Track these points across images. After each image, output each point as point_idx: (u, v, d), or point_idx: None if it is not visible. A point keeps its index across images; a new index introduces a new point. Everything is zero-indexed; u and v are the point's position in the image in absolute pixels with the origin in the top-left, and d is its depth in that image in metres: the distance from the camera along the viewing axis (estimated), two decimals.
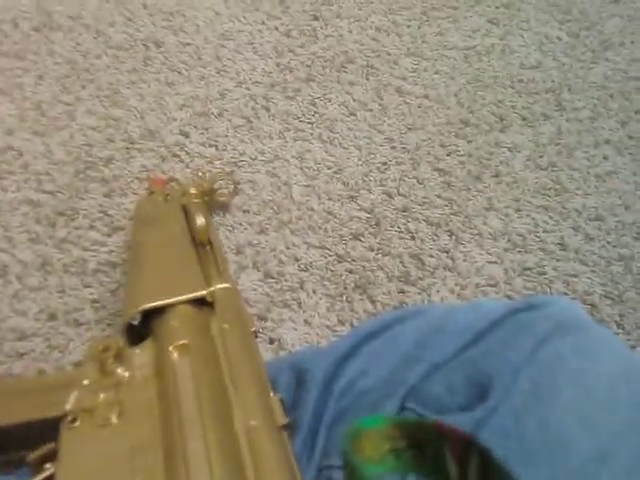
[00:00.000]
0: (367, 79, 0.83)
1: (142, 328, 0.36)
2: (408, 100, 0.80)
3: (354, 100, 0.80)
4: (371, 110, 0.78)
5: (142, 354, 0.32)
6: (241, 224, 0.64)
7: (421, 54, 0.89)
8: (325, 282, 0.59)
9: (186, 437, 0.26)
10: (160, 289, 0.36)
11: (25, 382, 0.39)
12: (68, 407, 0.29)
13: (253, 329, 0.37)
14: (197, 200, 0.49)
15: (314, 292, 0.58)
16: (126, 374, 0.30)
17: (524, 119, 0.79)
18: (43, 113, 0.77)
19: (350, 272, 0.60)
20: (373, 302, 0.57)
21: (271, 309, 0.57)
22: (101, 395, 0.29)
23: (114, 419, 0.28)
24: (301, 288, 0.59)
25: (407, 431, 0.20)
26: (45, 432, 0.28)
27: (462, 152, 0.73)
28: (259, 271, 0.60)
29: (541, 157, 0.73)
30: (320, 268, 0.60)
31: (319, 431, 0.34)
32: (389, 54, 0.88)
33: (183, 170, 0.68)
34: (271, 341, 0.54)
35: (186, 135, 0.73)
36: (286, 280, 0.59)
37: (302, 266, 0.60)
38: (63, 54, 0.85)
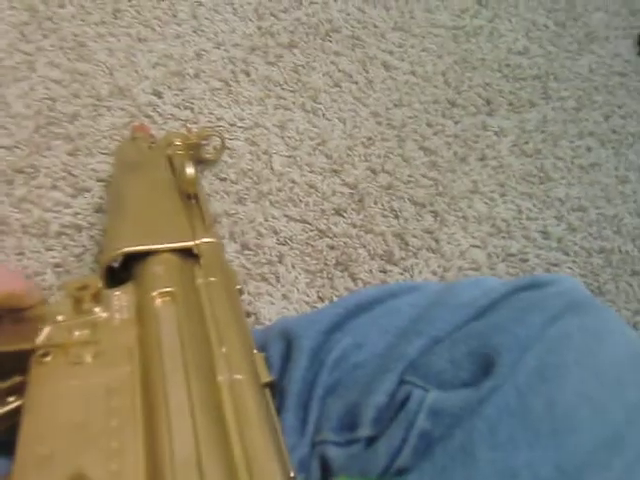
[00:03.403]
0: (353, 50, 0.85)
1: (121, 272, 0.36)
2: (395, 75, 0.82)
3: (339, 71, 0.81)
4: (356, 83, 0.80)
5: (122, 297, 0.32)
6: (217, 192, 0.64)
7: (409, 29, 0.90)
8: (305, 257, 0.60)
9: (167, 384, 0.26)
10: (145, 234, 0.36)
11: None
12: (39, 341, 0.29)
13: (238, 286, 0.38)
14: (182, 152, 0.49)
15: (293, 267, 0.60)
16: (104, 315, 0.30)
17: (511, 104, 0.82)
18: None
19: (331, 248, 0.61)
20: (354, 280, 0.59)
21: (248, 282, 0.58)
22: (76, 333, 0.29)
23: (89, 358, 0.28)
24: (280, 262, 0.60)
25: None
26: (16, 366, 0.28)
27: (448, 132, 0.75)
28: (236, 242, 0.61)
29: (527, 144, 0.76)
30: (300, 242, 0.61)
31: (311, 404, 0.35)
32: (376, 26, 0.90)
33: (157, 131, 0.68)
34: (248, 315, 0.55)
35: (159, 95, 0.73)
36: (264, 253, 0.60)
37: (281, 239, 0.61)
38: None
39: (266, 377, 0.30)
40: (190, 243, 0.36)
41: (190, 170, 0.41)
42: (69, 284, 0.31)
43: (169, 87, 0.74)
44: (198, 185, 0.42)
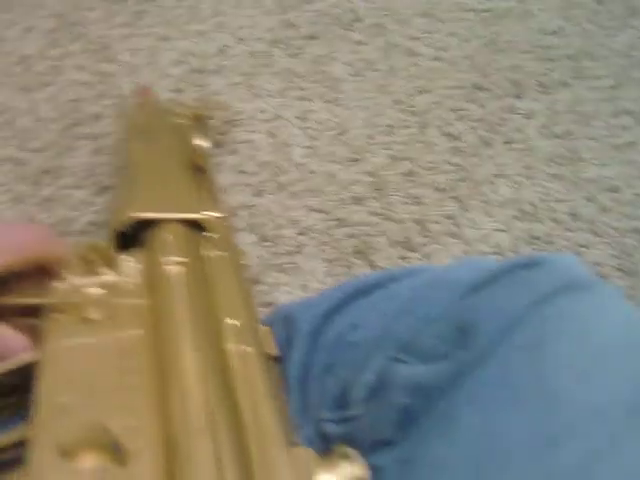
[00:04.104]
0: (376, 38, 0.85)
1: (128, 239, 0.36)
2: (418, 61, 0.82)
3: (361, 60, 0.81)
4: (379, 70, 0.79)
5: (132, 262, 0.32)
6: (237, 185, 0.65)
7: (434, 15, 0.90)
8: (324, 246, 0.61)
9: (179, 349, 0.27)
10: (156, 202, 0.37)
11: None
12: (51, 298, 0.30)
13: (245, 263, 0.38)
14: (189, 122, 0.50)
15: (312, 256, 0.60)
16: (114, 277, 0.31)
17: (541, 85, 0.80)
18: (29, 68, 0.79)
19: (350, 237, 0.61)
20: (373, 267, 0.59)
21: (266, 273, 0.59)
22: (87, 292, 0.30)
23: (100, 318, 0.28)
24: (298, 252, 0.60)
25: None
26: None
27: (473, 117, 0.74)
28: (254, 234, 0.62)
29: (556, 125, 0.74)
30: (319, 232, 0.62)
31: (309, 385, 0.35)
32: (400, 13, 0.89)
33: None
34: (266, 305, 0.56)
35: (181, 92, 0.75)
36: (283, 244, 0.61)
37: (300, 230, 0.62)
38: (51, 6, 0.86)
39: (273, 351, 0.31)
40: (201, 216, 0.37)
41: (202, 142, 0.41)
42: (79, 246, 0.32)
43: (190, 84, 0.76)
44: (208, 158, 0.43)
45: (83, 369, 0.26)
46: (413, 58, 0.82)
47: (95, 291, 0.30)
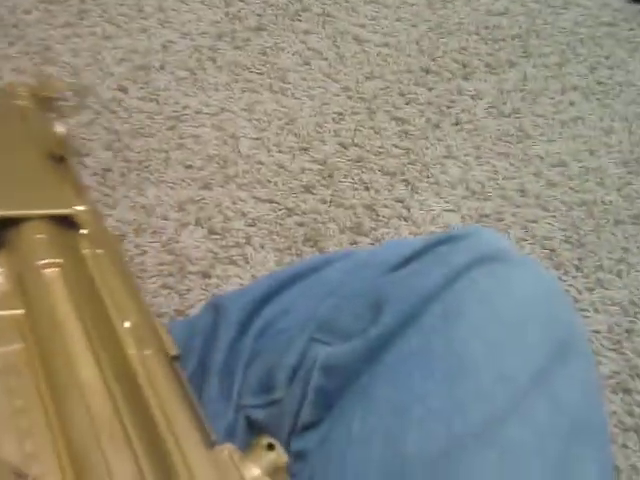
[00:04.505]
0: (323, 27, 0.84)
1: None
2: (366, 48, 0.82)
3: (308, 49, 0.81)
4: (326, 59, 0.79)
5: None
6: (184, 180, 0.65)
7: (382, 1, 0.90)
8: (274, 236, 0.60)
9: (72, 357, 0.25)
10: (14, 198, 0.32)
11: None
12: None
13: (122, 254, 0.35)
14: (31, 105, 0.42)
15: (262, 247, 0.60)
16: None
17: (488, 66, 0.80)
18: None
19: (300, 225, 0.61)
20: (324, 254, 0.59)
21: (216, 266, 0.58)
22: None
23: None
24: (248, 243, 0.60)
25: None
26: None
27: (422, 100, 0.74)
28: (203, 228, 0.61)
29: (504, 104, 0.75)
30: (268, 222, 0.61)
31: (235, 372, 0.35)
32: (347, 1, 0.89)
33: (122, 125, 0.69)
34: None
35: (124, 90, 0.74)
36: (232, 236, 0.60)
37: (249, 221, 0.62)
38: None
39: (174, 350, 0.28)
40: (70, 210, 0.32)
41: (60, 129, 0.36)
42: None
43: (134, 81, 0.75)
44: (67, 145, 0.37)
45: None
46: (361, 45, 0.82)
47: None
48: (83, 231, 0.32)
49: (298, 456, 0.29)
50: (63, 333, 0.26)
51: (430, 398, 0.26)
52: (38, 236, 0.30)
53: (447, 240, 0.32)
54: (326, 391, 0.29)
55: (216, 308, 0.38)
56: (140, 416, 0.24)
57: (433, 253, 0.31)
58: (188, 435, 0.25)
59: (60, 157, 0.37)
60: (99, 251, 0.31)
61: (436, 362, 0.27)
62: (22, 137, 0.38)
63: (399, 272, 0.32)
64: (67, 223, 0.32)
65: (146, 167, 0.64)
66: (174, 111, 0.71)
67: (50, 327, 0.26)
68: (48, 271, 0.28)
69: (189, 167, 0.66)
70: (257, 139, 0.69)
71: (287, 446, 0.30)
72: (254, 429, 0.32)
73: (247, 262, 0.59)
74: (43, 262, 0.29)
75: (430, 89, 0.76)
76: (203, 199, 0.63)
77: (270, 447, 0.24)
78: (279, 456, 0.24)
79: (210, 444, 0.25)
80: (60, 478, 0.21)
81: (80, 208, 0.33)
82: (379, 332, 0.28)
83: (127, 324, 0.28)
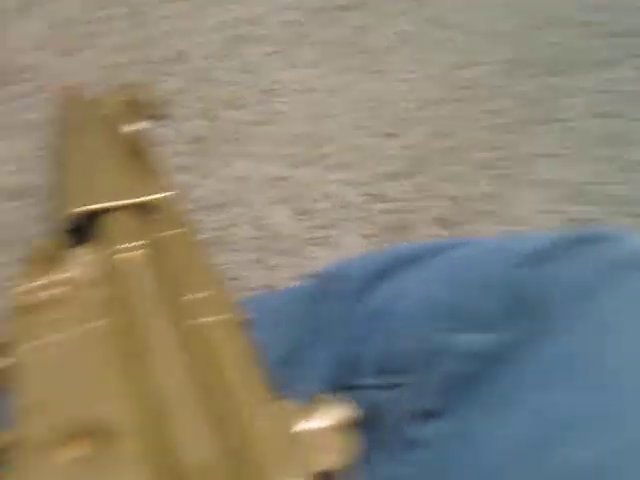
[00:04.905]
0: (418, 10, 0.83)
1: (75, 234, 0.36)
2: (460, 35, 0.80)
3: (402, 31, 0.79)
4: (419, 43, 0.78)
5: (83, 255, 0.33)
6: (270, 156, 0.65)
7: None
8: (360, 222, 0.60)
9: (151, 332, 0.27)
10: (97, 193, 0.37)
11: None
12: (13, 304, 0.30)
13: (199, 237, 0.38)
14: (121, 111, 0.50)
15: (347, 232, 0.59)
16: (71, 273, 0.31)
17: (588, 63, 0.78)
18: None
19: (386, 213, 0.61)
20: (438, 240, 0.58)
21: (302, 247, 0.58)
22: (46, 291, 0.30)
23: (65, 313, 0.29)
24: (334, 227, 0.60)
25: None
26: None
27: (515, 93, 0.72)
28: (289, 207, 0.61)
29: (603, 104, 0.72)
30: (355, 207, 0.61)
31: (350, 346, 0.35)
32: None
33: (216, 94, 0.69)
34: (301, 278, 0.56)
35: (216, 59, 0.74)
36: (318, 218, 0.60)
37: (336, 204, 0.61)
38: None
39: (242, 317, 0.30)
40: (146, 198, 0.37)
41: (133, 127, 0.42)
42: (31, 247, 0.33)
43: (226, 52, 0.75)
44: (144, 141, 0.42)
45: (56, 365, 0.27)
46: (455, 31, 0.80)
47: (55, 289, 0.30)
48: (162, 215, 0.37)
49: (415, 443, 0.29)
50: (141, 306, 0.29)
51: (582, 408, 0.25)
52: (117, 224, 0.35)
53: (592, 239, 0.30)
54: (459, 378, 0.29)
55: (328, 277, 0.38)
56: (209, 374, 0.26)
57: (580, 249, 0.30)
58: (253, 388, 0.25)
59: (138, 152, 0.43)
60: (175, 232, 0.35)
61: (588, 370, 0.26)
62: (105, 140, 0.44)
63: (543, 265, 0.30)
64: (148, 209, 0.37)
65: (236, 139, 0.65)
66: (265, 85, 0.71)
67: (130, 303, 0.29)
68: (127, 254, 0.32)
69: (277, 143, 0.66)
70: (346, 120, 0.69)
71: (402, 432, 0.30)
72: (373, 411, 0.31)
73: (333, 245, 0.59)
74: (123, 246, 0.32)
75: (524, 83, 0.74)
76: (290, 177, 0.63)
77: (331, 403, 0.25)
78: (342, 411, 0.24)
79: (274, 398, 0.25)
80: (138, 434, 0.24)
81: (159, 195, 0.38)
82: (535, 327, 0.27)
83: (202, 294, 0.30)
